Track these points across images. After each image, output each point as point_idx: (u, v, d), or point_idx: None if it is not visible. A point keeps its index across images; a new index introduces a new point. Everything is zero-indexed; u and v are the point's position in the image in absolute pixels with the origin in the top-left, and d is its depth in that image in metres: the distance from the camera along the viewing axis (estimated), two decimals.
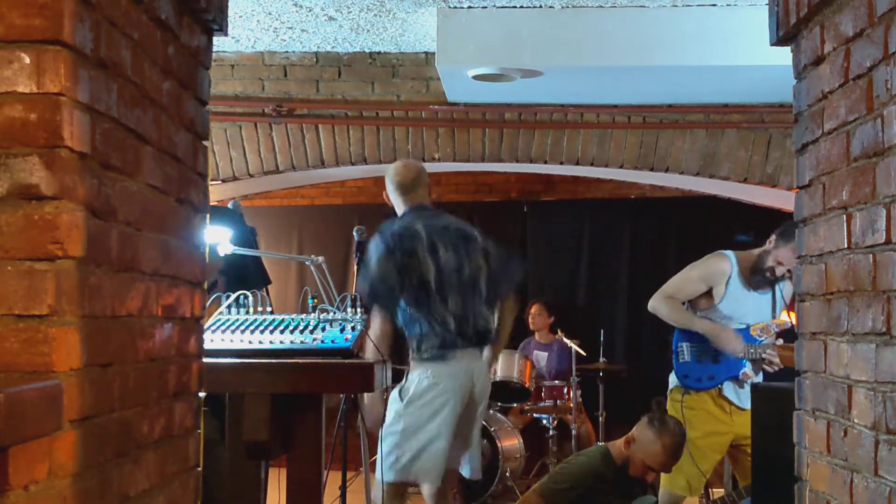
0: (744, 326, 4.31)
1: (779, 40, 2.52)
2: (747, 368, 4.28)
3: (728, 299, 4.31)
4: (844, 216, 2.11)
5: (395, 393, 3.91)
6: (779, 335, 4.35)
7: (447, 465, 3.87)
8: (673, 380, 4.45)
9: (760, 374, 4.35)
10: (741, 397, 4.29)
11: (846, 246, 2.10)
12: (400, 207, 4.06)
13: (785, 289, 4.38)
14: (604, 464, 3.98)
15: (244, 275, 4.00)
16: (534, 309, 7.42)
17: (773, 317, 4.34)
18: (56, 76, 1.47)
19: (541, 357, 7.23)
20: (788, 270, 4.15)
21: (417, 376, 3.86)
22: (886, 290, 1.88)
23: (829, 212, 2.21)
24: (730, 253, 4.37)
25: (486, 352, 4.02)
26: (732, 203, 6.73)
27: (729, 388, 4.32)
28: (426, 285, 3.84)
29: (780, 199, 5.96)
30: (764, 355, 4.25)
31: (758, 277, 4.28)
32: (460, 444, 3.94)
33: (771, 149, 5.65)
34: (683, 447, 4.03)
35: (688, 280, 4.41)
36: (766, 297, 4.36)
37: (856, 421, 2.03)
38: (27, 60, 1.47)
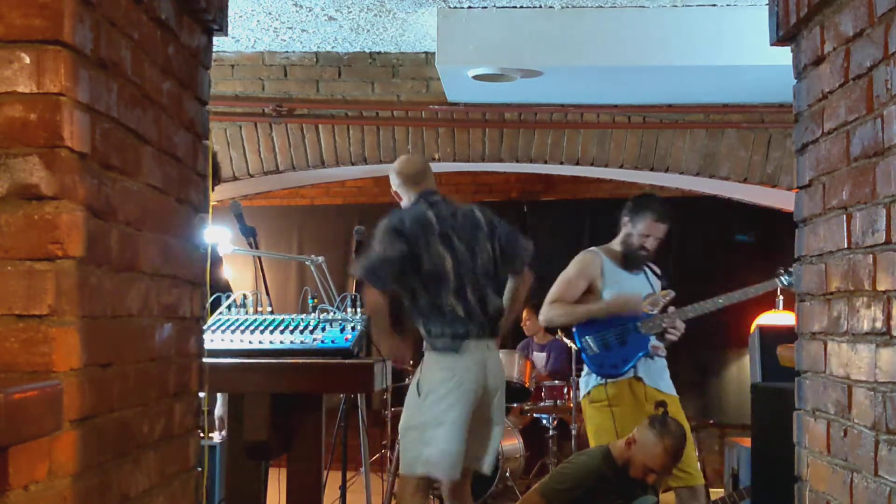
0: None
1: (779, 40, 2.52)
2: (654, 341, 4.40)
3: (610, 285, 4.43)
4: (844, 216, 2.11)
5: (412, 386, 3.85)
6: (665, 306, 4.46)
7: (465, 462, 3.82)
8: (588, 382, 4.44)
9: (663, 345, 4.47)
10: (652, 375, 4.40)
11: (846, 246, 2.10)
12: (409, 199, 3.97)
13: (653, 267, 4.58)
14: (605, 464, 3.96)
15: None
16: (524, 314, 7.39)
17: (654, 291, 4.48)
18: (56, 76, 1.47)
19: (539, 358, 7.23)
20: (655, 239, 4.39)
21: (431, 369, 3.80)
22: (886, 290, 1.88)
23: (829, 212, 2.21)
24: (593, 248, 4.54)
25: (496, 344, 3.97)
26: (732, 203, 6.72)
27: (641, 368, 4.39)
28: (442, 275, 3.77)
29: (780, 199, 5.96)
30: (663, 325, 4.39)
31: (632, 259, 4.45)
32: (479, 438, 3.88)
33: (771, 149, 5.65)
34: (684, 449, 4.01)
35: (567, 283, 4.48)
36: (640, 277, 4.51)
37: (856, 421, 2.03)
38: (27, 60, 1.47)
